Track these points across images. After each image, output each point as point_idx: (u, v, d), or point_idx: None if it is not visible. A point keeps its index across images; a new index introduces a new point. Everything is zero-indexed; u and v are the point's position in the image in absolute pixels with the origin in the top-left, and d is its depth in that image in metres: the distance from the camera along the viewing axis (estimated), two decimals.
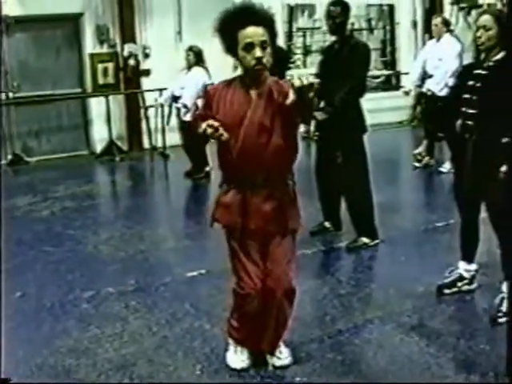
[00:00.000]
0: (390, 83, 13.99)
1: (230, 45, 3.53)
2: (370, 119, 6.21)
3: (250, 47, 3.45)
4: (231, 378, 3.87)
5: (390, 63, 14.02)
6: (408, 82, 10.19)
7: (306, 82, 3.24)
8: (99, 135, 11.48)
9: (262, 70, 3.53)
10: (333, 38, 6.13)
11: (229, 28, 3.50)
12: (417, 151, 9.44)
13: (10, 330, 4.33)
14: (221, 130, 3.41)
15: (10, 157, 10.95)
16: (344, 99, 5.77)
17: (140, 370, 3.99)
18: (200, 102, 3.73)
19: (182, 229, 7.24)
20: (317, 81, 3.30)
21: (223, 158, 3.68)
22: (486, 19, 4.40)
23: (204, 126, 3.42)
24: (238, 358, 3.93)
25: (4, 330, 4.01)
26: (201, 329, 4.49)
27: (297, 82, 3.25)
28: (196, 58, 9.08)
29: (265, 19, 3.52)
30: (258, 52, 3.45)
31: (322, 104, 5.65)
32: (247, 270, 3.72)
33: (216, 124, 3.41)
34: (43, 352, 4.23)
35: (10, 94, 10.93)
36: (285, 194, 3.69)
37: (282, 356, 3.93)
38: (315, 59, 11.23)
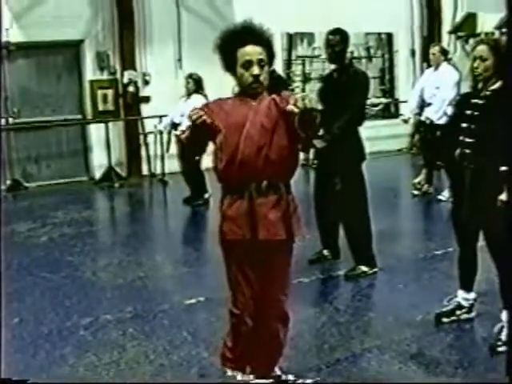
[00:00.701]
0: (389, 111, 14.07)
1: (229, 62, 3.57)
2: (368, 147, 6.23)
3: (247, 65, 3.51)
4: None
5: (389, 91, 14.12)
6: (407, 110, 10.23)
7: (308, 106, 3.26)
8: (98, 161, 11.52)
9: (259, 87, 3.57)
10: (332, 67, 6.18)
11: (229, 46, 3.56)
12: (416, 180, 9.44)
13: (7, 356, 4.30)
14: (201, 113, 3.43)
15: (9, 182, 10.96)
16: (343, 127, 5.79)
17: None
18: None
19: (180, 256, 7.22)
20: (319, 107, 3.33)
21: (225, 164, 3.58)
22: (482, 50, 4.42)
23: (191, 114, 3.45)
24: None
25: (3, 354, 3.99)
26: (198, 356, 4.47)
27: (300, 103, 3.27)
28: (195, 85, 9.17)
29: (263, 39, 3.58)
30: (255, 70, 3.51)
31: (320, 132, 5.67)
32: (243, 290, 3.70)
33: (201, 112, 3.44)
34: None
35: (10, 120, 10.98)
36: (289, 201, 3.66)
37: None
38: (314, 87, 11.30)
